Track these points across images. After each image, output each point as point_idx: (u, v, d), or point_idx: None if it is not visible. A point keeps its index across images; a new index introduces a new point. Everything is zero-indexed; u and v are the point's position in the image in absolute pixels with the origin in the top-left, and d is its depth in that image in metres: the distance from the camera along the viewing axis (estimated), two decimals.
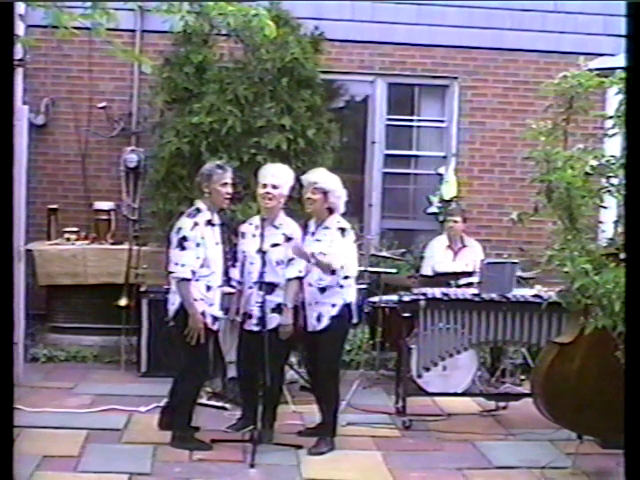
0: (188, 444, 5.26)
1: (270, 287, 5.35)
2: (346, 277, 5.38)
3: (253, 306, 5.41)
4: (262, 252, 5.29)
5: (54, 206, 7.88)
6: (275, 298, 5.38)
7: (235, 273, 5.53)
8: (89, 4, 4.68)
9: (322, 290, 5.35)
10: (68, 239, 7.69)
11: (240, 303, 5.51)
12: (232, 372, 6.13)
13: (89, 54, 7.94)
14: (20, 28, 6.74)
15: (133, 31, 7.97)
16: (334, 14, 8.13)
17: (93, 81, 8.15)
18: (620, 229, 4.85)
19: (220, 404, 6.19)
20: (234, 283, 5.52)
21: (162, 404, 5.59)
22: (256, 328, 5.38)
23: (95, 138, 8.20)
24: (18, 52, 6.74)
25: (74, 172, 8.19)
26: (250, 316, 5.45)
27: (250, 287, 5.44)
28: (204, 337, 5.19)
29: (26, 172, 6.90)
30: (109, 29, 4.81)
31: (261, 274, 5.29)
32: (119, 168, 8.14)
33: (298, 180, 5.66)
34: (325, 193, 5.38)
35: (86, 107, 8.15)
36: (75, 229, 7.80)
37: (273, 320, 5.34)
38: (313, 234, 5.46)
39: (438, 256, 7.38)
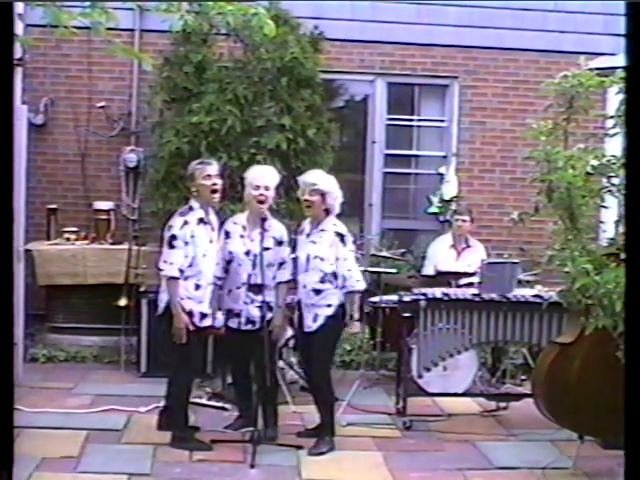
0: (188, 444, 5.26)
1: (257, 288, 5.37)
2: (344, 279, 5.38)
3: (241, 305, 5.45)
4: (260, 255, 5.31)
5: (53, 206, 7.88)
6: (261, 297, 5.37)
7: (216, 269, 5.49)
8: (88, 3, 4.66)
9: (317, 292, 5.36)
10: (68, 239, 7.68)
11: (222, 300, 5.51)
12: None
13: (88, 53, 7.93)
14: (19, 27, 6.72)
15: (132, 30, 7.96)
16: (334, 13, 8.12)
17: (92, 80, 8.15)
18: (621, 229, 4.84)
19: (220, 404, 6.18)
20: (214, 280, 5.48)
21: (161, 404, 5.58)
22: (245, 327, 5.44)
23: (94, 138, 8.19)
24: (17, 51, 6.72)
25: (73, 172, 8.19)
26: (237, 314, 5.47)
27: (238, 287, 5.46)
28: (191, 336, 5.19)
29: (25, 172, 6.89)
30: (108, 28, 4.79)
31: (252, 276, 5.35)
32: (119, 168, 8.14)
33: (297, 181, 5.66)
34: (323, 195, 5.38)
35: (85, 107, 8.15)
36: (75, 229, 7.79)
37: (259, 318, 5.35)
38: (308, 235, 5.46)
39: (441, 255, 7.38)
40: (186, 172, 5.49)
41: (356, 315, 5.42)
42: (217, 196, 5.39)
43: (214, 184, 5.31)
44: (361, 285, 5.44)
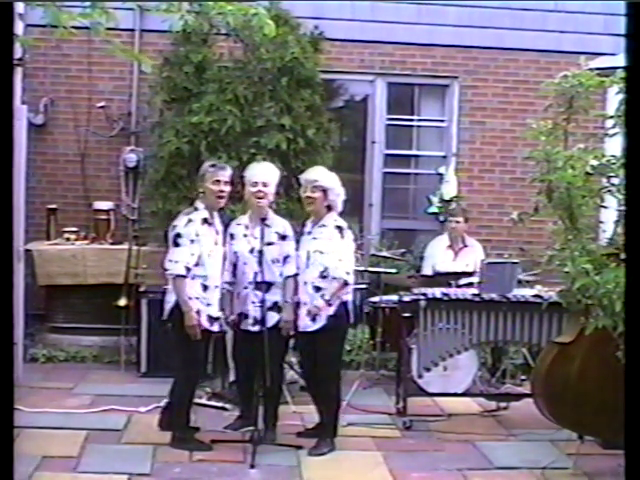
0: (188, 444, 5.25)
1: (266, 286, 5.35)
2: (333, 269, 5.34)
3: (249, 306, 5.42)
4: (260, 252, 5.30)
5: (53, 206, 7.88)
6: (272, 297, 5.38)
7: (225, 274, 5.47)
8: (88, 3, 4.66)
9: (317, 289, 5.33)
10: (67, 239, 7.68)
11: (233, 303, 5.50)
12: (234, 376, 6.12)
13: (88, 53, 7.93)
14: (19, 27, 6.73)
15: (132, 30, 7.97)
16: (334, 13, 8.12)
17: (92, 80, 8.15)
18: (621, 229, 4.84)
19: (220, 404, 6.18)
20: (224, 284, 5.46)
21: (162, 404, 5.59)
22: (253, 328, 5.40)
23: (94, 138, 8.19)
24: (17, 51, 6.72)
25: (73, 172, 8.19)
26: (246, 316, 5.45)
27: (245, 287, 5.44)
28: (199, 336, 5.18)
29: (25, 172, 6.89)
30: (108, 28, 4.79)
31: (258, 274, 5.31)
32: (118, 168, 8.14)
33: (297, 179, 5.66)
34: (324, 191, 5.37)
35: (85, 107, 8.15)
36: (74, 229, 7.79)
37: (271, 318, 5.34)
38: (310, 233, 5.45)
39: (439, 256, 7.39)
40: (198, 170, 5.46)
41: (328, 296, 5.22)
42: (222, 201, 5.39)
43: (221, 191, 5.31)
44: (349, 278, 5.29)
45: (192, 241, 5.19)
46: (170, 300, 5.27)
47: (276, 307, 5.39)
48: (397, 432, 5.83)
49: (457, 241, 7.42)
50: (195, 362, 5.35)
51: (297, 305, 5.42)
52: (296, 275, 5.41)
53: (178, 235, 5.21)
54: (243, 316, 5.47)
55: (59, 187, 8.20)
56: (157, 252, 7.05)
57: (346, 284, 5.30)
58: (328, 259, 5.30)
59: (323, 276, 5.31)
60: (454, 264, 7.27)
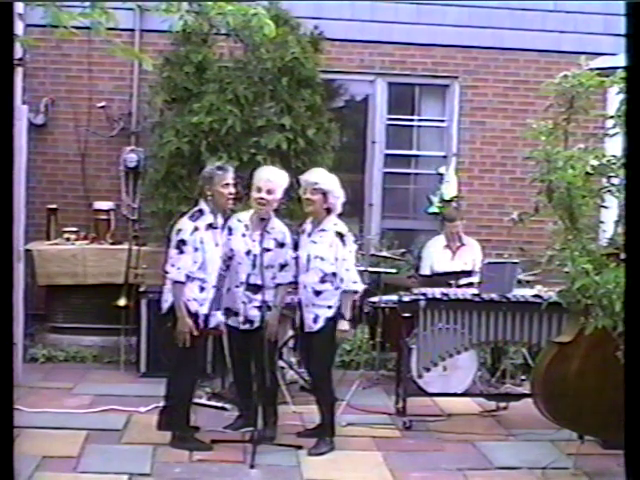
0: (188, 444, 5.26)
1: (256, 287, 5.38)
2: (342, 280, 5.37)
3: (239, 305, 5.45)
4: (255, 256, 5.32)
5: (53, 206, 7.88)
6: (260, 297, 5.38)
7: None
8: (88, 3, 4.67)
9: (317, 293, 5.35)
10: (67, 239, 7.68)
11: (221, 298, 5.51)
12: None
13: (88, 53, 7.93)
14: (19, 27, 6.72)
15: (132, 30, 7.96)
16: (334, 13, 8.12)
17: (92, 80, 8.15)
18: (621, 229, 4.84)
19: (220, 404, 6.18)
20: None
21: (161, 404, 5.59)
22: (243, 326, 5.45)
23: (95, 138, 8.19)
24: (17, 52, 6.72)
25: (73, 172, 8.19)
26: (236, 313, 5.48)
27: (237, 286, 5.46)
28: (194, 338, 5.19)
29: (25, 172, 6.90)
30: (108, 28, 4.79)
31: (251, 276, 5.36)
32: (119, 168, 8.14)
33: (297, 180, 5.65)
34: (324, 194, 5.37)
35: (85, 107, 8.15)
36: (74, 229, 7.79)
37: (258, 318, 5.36)
38: (309, 235, 5.45)
39: (436, 256, 7.38)
40: (202, 173, 5.42)
41: (348, 315, 5.35)
42: (231, 203, 5.39)
43: (230, 193, 5.31)
44: (358, 287, 5.40)
45: (196, 249, 5.19)
46: (167, 299, 5.29)
47: (267, 307, 5.40)
48: (397, 432, 5.83)
49: (454, 240, 7.42)
50: (193, 361, 5.36)
51: (299, 307, 5.46)
52: (290, 283, 5.45)
53: (183, 242, 5.19)
54: (232, 313, 5.50)
55: (59, 187, 8.19)
56: (157, 252, 7.06)
57: (356, 293, 5.42)
58: (328, 266, 5.34)
59: (323, 281, 5.34)
60: (452, 263, 7.27)
